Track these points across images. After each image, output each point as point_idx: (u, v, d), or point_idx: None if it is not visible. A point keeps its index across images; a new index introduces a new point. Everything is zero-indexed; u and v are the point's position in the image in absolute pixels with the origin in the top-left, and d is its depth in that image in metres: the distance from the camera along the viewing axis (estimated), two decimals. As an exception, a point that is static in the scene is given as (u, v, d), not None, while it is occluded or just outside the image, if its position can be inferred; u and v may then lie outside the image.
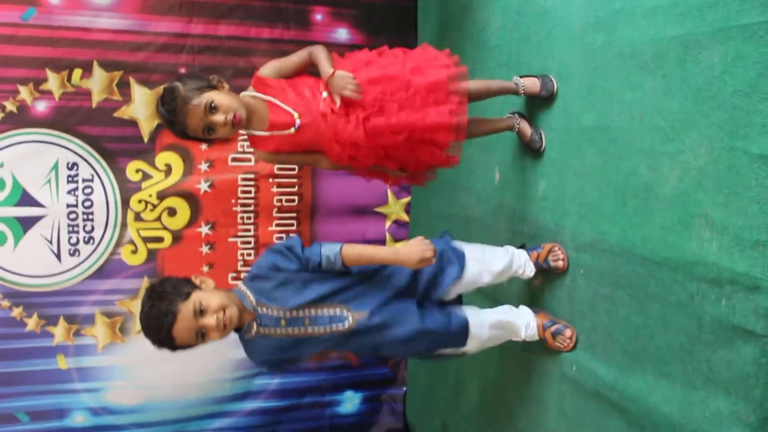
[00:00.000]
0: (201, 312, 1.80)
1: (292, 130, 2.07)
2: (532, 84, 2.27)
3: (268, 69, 2.10)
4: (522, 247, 2.34)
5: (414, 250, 1.87)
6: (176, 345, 1.83)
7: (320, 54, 2.11)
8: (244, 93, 2.10)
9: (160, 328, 1.79)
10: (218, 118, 1.96)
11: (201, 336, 1.83)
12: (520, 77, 2.29)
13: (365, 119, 2.06)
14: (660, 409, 1.72)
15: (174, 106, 1.95)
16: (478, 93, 2.26)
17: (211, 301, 1.82)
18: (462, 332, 2.07)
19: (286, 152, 2.18)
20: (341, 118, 2.06)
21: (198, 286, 1.87)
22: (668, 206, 1.69)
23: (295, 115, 2.06)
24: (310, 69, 2.14)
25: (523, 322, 2.21)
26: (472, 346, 2.12)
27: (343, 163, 2.19)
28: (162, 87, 2.05)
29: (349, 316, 1.94)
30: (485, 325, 2.13)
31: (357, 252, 1.92)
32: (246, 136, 2.16)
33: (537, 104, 2.32)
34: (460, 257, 2.11)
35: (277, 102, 2.07)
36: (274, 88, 2.09)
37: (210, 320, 1.80)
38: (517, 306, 2.29)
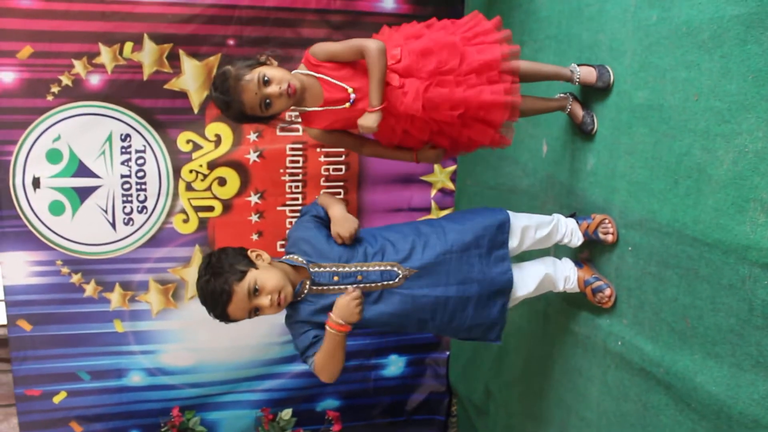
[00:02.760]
0: (255, 291, 1.88)
1: (347, 104, 2.08)
2: (588, 73, 2.23)
3: (321, 54, 2.08)
4: (572, 216, 2.34)
5: (345, 226, 2.05)
6: (230, 320, 1.93)
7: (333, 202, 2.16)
8: (295, 71, 2.11)
9: (216, 305, 1.89)
10: (273, 89, 1.98)
11: (254, 311, 1.92)
12: (578, 65, 2.26)
13: (425, 90, 2.06)
14: (707, 389, 1.73)
15: (227, 86, 1.98)
16: (529, 74, 2.24)
17: (267, 282, 1.89)
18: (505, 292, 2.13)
19: (338, 130, 2.20)
20: (397, 91, 2.07)
21: (253, 262, 1.94)
22: (722, 188, 1.67)
23: (350, 90, 2.06)
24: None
25: (562, 275, 2.27)
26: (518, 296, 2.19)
27: (396, 139, 2.21)
28: (207, 61, 2.05)
29: (399, 273, 2.01)
30: (529, 283, 2.20)
31: (325, 202, 2.17)
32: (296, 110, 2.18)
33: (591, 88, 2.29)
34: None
35: (331, 80, 2.08)
36: (327, 67, 2.08)
37: (264, 301, 1.88)
38: (560, 258, 2.35)
